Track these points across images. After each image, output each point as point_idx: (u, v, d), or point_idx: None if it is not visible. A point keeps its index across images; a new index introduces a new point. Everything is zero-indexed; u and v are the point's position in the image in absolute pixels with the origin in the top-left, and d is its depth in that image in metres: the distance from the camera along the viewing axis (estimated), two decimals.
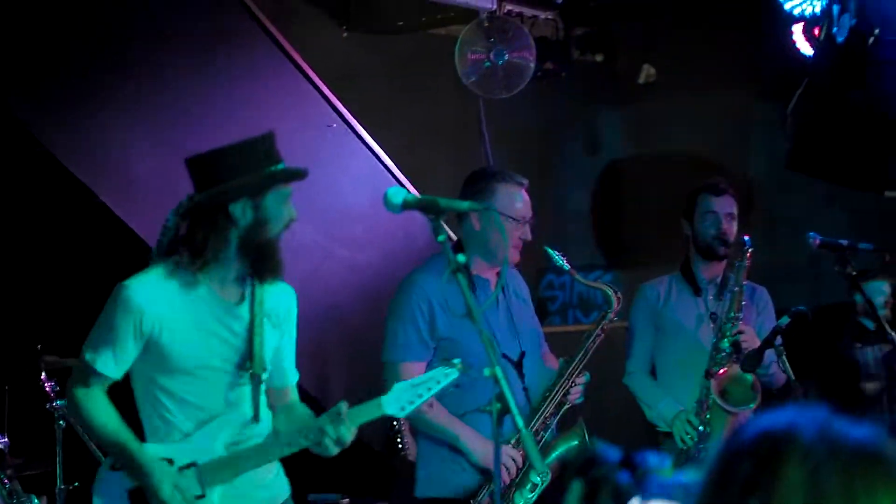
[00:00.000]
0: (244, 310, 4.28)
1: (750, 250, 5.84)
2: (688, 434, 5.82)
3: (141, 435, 4.23)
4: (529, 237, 5.23)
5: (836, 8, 6.80)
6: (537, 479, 5.14)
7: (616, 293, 5.35)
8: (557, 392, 5.20)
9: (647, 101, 9.92)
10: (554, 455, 5.23)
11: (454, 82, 7.83)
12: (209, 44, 6.47)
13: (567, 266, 5.31)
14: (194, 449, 4.22)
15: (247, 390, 4.26)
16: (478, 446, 5.01)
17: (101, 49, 6.05)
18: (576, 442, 5.24)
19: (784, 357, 5.57)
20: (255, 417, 4.26)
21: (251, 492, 4.37)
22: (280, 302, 4.40)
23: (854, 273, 5.81)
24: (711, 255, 6.05)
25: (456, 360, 3.94)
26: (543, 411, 5.18)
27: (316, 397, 6.34)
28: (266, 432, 4.31)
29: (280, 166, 4.26)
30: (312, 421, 4.21)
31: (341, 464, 5.20)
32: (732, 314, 5.80)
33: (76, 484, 5.87)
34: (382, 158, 7.02)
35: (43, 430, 5.95)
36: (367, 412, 4.13)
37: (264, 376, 4.29)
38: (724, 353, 5.75)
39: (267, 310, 4.32)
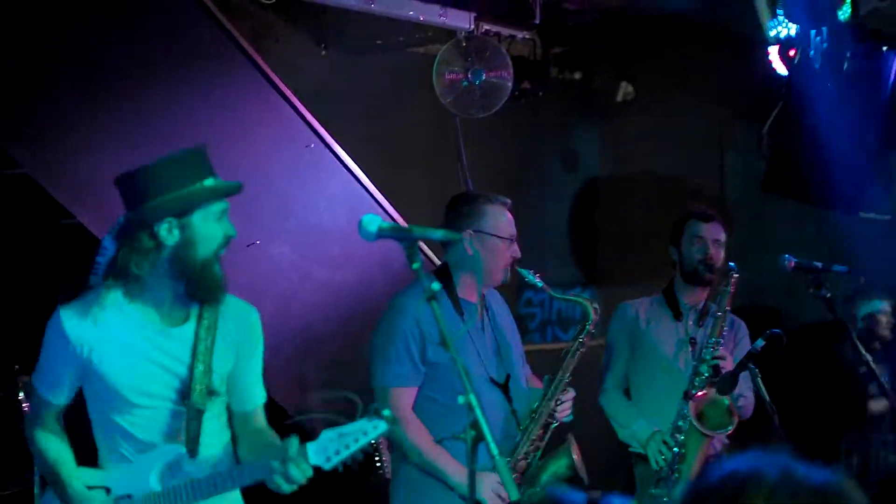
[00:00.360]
0: (185, 333, 4.13)
1: (735, 276, 5.88)
2: (662, 455, 5.85)
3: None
4: (519, 255, 5.29)
5: (812, 32, 6.85)
6: (536, 501, 5.19)
7: (593, 305, 5.40)
8: (543, 411, 5.24)
9: (625, 118, 9.96)
10: (545, 476, 5.26)
11: (432, 101, 7.84)
12: (187, 65, 6.46)
13: (540, 283, 5.36)
14: (131, 479, 4.12)
15: (193, 423, 4.12)
16: (465, 479, 5.01)
17: (77, 73, 6.03)
18: (565, 460, 5.27)
19: (759, 380, 5.60)
20: (191, 453, 4.11)
21: None
22: (233, 323, 4.24)
23: (828, 295, 5.84)
24: (697, 280, 6.10)
25: (386, 412, 3.82)
26: (531, 432, 5.22)
27: (292, 416, 6.33)
28: (208, 466, 4.15)
29: (207, 182, 4.06)
30: (262, 458, 4.02)
31: (316, 482, 5.20)
32: (714, 339, 5.83)
33: None
34: (360, 178, 7.03)
35: (20, 452, 5.93)
36: (298, 461, 3.90)
37: (209, 405, 4.14)
38: (703, 377, 5.79)
39: (221, 332, 4.18)
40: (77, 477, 4.12)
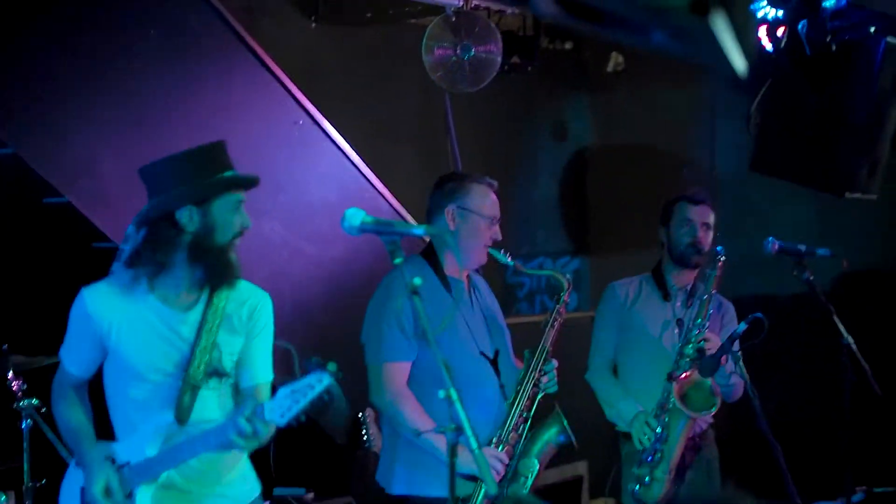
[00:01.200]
0: (194, 315, 4.35)
1: (722, 259, 5.92)
2: (646, 435, 5.91)
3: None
4: (500, 237, 5.34)
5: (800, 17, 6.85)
6: (529, 472, 5.26)
7: (566, 277, 5.47)
8: (527, 383, 5.31)
9: (615, 89, 9.96)
10: (538, 446, 5.33)
11: (421, 76, 7.85)
12: (174, 40, 6.45)
13: (511, 262, 5.42)
14: (131, 448, 4.31)
15: (187, 395, 4.30)
16: (461, 457, 5.08)
17: (63, 47, 6.04)
18: (555, 429, 5.34)
19: (741, 363, 5.66)
20: (180, 421, 4.28)
21: (201, 489, 4.42)
22: (243, 306, 4.45)
23: (811, 279, 5.89)
24: (685, 262, 6.14)
25: (330, 365, 3.92)
26: (518, 404, 5.28)
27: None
28: (198, 434, 4.29)
29: (228, 173, 4.33)
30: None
31: (305, 457, 5.27)
32: (699, 321, 5.89)
33: (43, 481, 5.91)
34: (349, 154, 7.06)
35: (10, 429, 5.98)
36: (255, 421, 4.08)
37: (211, 382, 4.34)
38: (687, 358, 5.84)
39: (227, 314, 4.39)
40: (94, 447, 4.37)
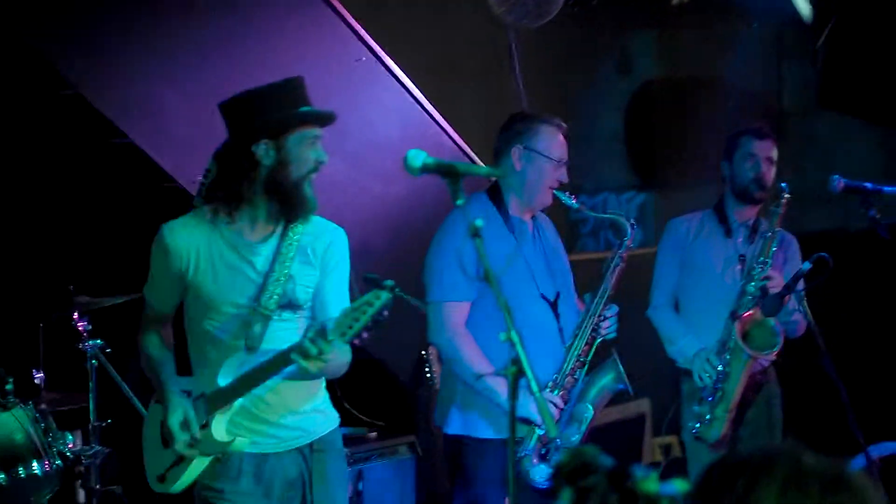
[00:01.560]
0: (268, 248, 4.43)
1: (786, 197, 5.87)
2: (706, 373, 5.90)
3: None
4: (566, 180, 5.33)
5: None
6: (583, 417, 5.27)
7: (630, 221, 5.44)
8: (586, 328, 5.32)
9: (681, 24, 9.86)
10: (593, 391, 5.34)
11: (484, 11, 7.78)
12: None
13: (576, 204, 5.41)
14: (206, 379, 4.41)
15: (258, 324, 4.39)
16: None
17: None
18: (611, 375, 5.34)
19: (805, 302, 5.63)
20: (249, 350, 4.36)
21: (277, 419, 4.49)
22: (318, 240, 4.52)
23: (878, 217, 5.82)
24: (747, 197, 6.11)
25: (388, 282, 3.94)
26: (575, 349, 5.30)
27: None
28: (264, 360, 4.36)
29: (304, 108, 4.40)
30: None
31: (368, 396, 5.30)
32: (762, 258, 5.85)
33: (109, 421, 5.99)
34: (413, 91, 7.02)
35: (76, 369, 6.05)
36: (318, 341, 4.08)
37: (284, 314, 4.41)
38: (750, 297, 5.82)
39: (301, 248, 4.46)
40: (173, 381, 4.49)
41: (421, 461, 6.82)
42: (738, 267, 6.07)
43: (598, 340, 5.36)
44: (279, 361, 4.24)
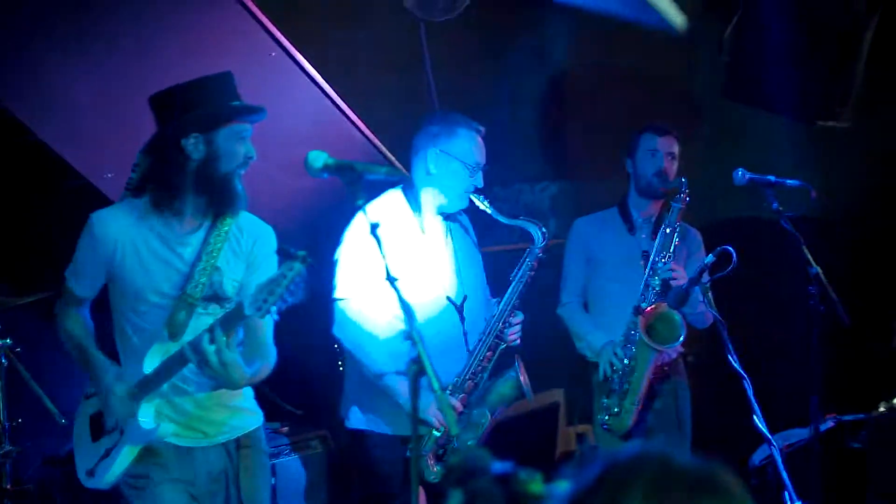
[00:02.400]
0: (196, 239, 4.54)
1: (686, 192, 5.95)
2: (612, 366, 5.97)
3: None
4: (482, 184, 5.35)
5: None
6: (481, 422, 5.29)
7: (542, 229, 5.46)
8: (490, 334, 5.33)
9: (591, 13, 9.89)
10: (492, 398, 5.38)
11: (395, 4, 7.78)
12: None
13: (491, 209, 5.42)
14: (132, 370, 4.49)
15: (182, 312, 4.45)
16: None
17: None
18: (511, 381, 5.37)
19: (710, 295, 5.72)
20: (172, 337, 4.45)
21: (202, 413, 4.52)
22: (248, 235, 4.65)
23: (780, 209, 5.91)
24: (650, 193, 6.21)
25: (300, 252, 4.04)
26: (478, 354, 5.32)
27: None
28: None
29: (235, 103, 4.53)
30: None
31: (280, 390, 5.32)
32: (665, 252, 5.92)
33: (19, 420, 5.96)
34: (322, 86, 7.02)
35: None
36: (233, 318, 4.24)
37: (210, 306, 4.52)
38: (653, 291, 5.91)
39: (229, 241, 4.57)
40: (99, 355, 4.62)
41: (332, 455, 6.83)
42: (642, 262, 6.15)
43: (502, 347, 5.40)
44: (187, 349, 4.30)
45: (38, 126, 5.82)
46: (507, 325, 5.39)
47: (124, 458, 4.46)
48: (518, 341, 5.45)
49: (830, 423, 6.91)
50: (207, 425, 4.59)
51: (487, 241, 6.28)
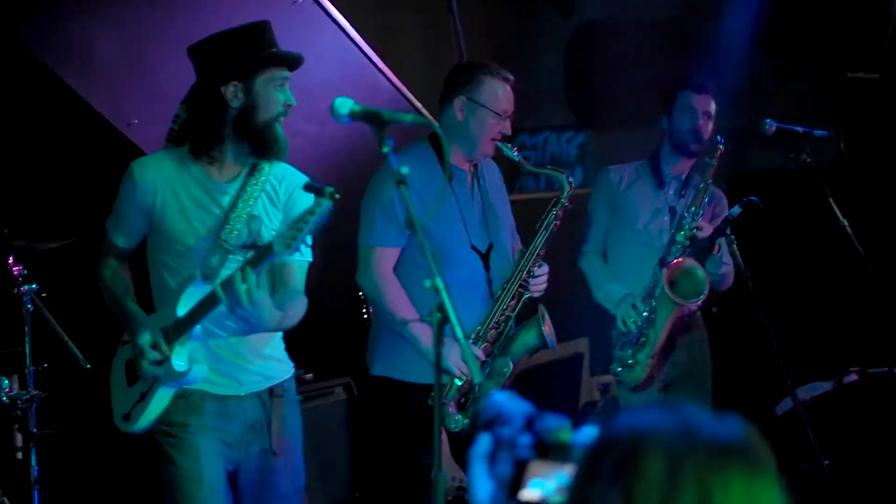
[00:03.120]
0: (234, 187, 4.55)
1: (721, 149, 5.93)
2: (631, 318, 5.98)
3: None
4: (510, 132, 5.35)
5: None
6: (503, 371, 5.30)
7: (569, 179, 5.46)
8: (513, 283, 5.34)
9: None
10: (515, 346, 5.38)
11: None
12: None
13: (518, 157, 5.42)
14: (167, 314, 4.50)
15: (217, 256, 4.48)
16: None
17: None
18: (534, 330, 5.38)
19: (735, 246, 5.71)
20: (206, 279, 4.43)
21: (235, 360, 4.58)
22: (283, 184, 4.65)
23: (808, 161, 5.90)
24: (684, 150, 6.18)
25: (328, 188, 4.01)
26: (502, 301, 5.32)
27: None
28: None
29: (273, 50, 4.56)
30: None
31: (304, 338, 5.34)
32: (693, 209, 5.91)
33: (45, 365, 5.99)
34: (349, 32, 6.99)
35: (12, 314, 6.03)
36: (262, 256, 4.23)
37: (245, 253, 4.45)
38: (679, 245, 5.90)
39: (267, 188, 4.58)
40: (137, 307, 4.63)
41: (356, 402, 6.86)
42: (667, 218, 6.14)
43: (526, 297, 5.41)
44: (215, 294, 4.30)
45: (63, 71, 5.80)
46: (531, 274, 5.39)
47: (159, 401, 4.49)
48: (542, 292, 5.45)
49: (854, 377, 6.91)
50: (240, 372, 4.62)
51: (513, 189, 6.28)
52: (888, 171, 8.35)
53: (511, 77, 5.45)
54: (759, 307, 5.62)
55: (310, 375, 6.70)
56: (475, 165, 5.53)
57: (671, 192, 6.23)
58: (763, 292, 5.71)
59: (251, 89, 4.49)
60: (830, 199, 5.89)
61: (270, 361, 4.72)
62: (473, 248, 5.38)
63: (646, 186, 6.28)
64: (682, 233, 5.91)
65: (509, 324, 5.38)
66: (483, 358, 5.27)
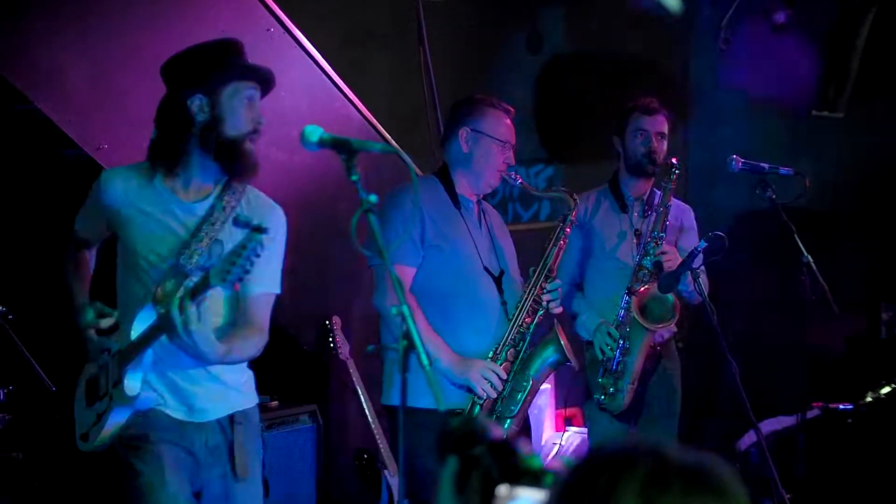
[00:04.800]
0: (201, 207, 4.47)
1: (676, 172, 5.98)
2: (608, 345, 6.01)
3: None
4: (513, 162, 5.43)
5: None
6: (523, 388, 5.33)
7: (573, 196, 5.52)
8: (527, 300, 5.39)
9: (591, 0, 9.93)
10: (535, 364, 5.41)
11: None
12: None
13: (519, 182, 5.50)
14: (124, 336, 4.42)
15: (171, 281, 4.39)
16: (456, 367, 5.20)
17: None
18: (552, 346, 5.41)
19: (700, 279, 5.75)
20: (156, 303, 4.34)
21: (195, 391, 4.55)
22: (256, 213, 4.50)
23: (773, 197, 5.96)
24: (641, 172, 6.23)
25: (255, 222, 4.03)
26: (517, 320, 5.36)
27: None
28: None
29: (239, 63, 4.50)
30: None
31: (273, 365, 5.33)
32: (656, 233, 5.96)
33: (10, 388, 5.97)
34: (320, 62, 7.03)
35: None
36: (200, 287, 4.15)
37: (195, 274, 4.35)
38: (646, 271, 5.93)
39: (238, 213, 4.45)
40: (84, 296, 4.66)
41: (321, 430, 6.85)
42: (635, 241, 6.18)
43: (541, 313, 5.46)
44: (158, 323, 4.26)
45: (34, 95, 5.80)
46: (542, 290, 5.44)
47: (113, 423, 4.44)
48: (557, 306, 5.49)
49: (817, 412, 6.95)
50: (197, 400, 4.53)
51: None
52: (850, 207, 8.42)
53: (512, 109, 5.55)
54: (723, 341, 5.66)
55: (275, 402, 6.69)
56: (478, 200, 5.60)
57: (635, 214, 6.30)
58: (728, 326, 5.76)
59: (217, 103, 4.40)
60: (795, 235, 5.94)
61: (231, 390, 4.64)
62: (487, 270, 5.44)
63: (609, 211, 6.35)
64: (648, 258, 5.95)
65: (525, 342, 5.41)
66: (504, 377, 5.29)
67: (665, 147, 6.24)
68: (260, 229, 3.98)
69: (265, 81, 4.58)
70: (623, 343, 5.97)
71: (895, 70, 8.13)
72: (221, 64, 4.44)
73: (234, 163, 4.43)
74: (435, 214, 5.33)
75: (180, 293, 4.15)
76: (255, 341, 4.54)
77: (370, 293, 5.46)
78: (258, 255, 3.97)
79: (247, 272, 4.00)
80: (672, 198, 6.06)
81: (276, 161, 6.97)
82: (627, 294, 5.94)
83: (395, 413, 5.45)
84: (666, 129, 6.27)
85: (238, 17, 6.64)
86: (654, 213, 6.09)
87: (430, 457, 5.22)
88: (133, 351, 4.34)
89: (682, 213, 6.35)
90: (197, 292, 4.12)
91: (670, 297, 5.89)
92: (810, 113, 7.11)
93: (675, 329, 6.30)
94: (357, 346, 6.88)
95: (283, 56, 6.83)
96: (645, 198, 6.32)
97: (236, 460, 4.62)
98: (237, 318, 4.53)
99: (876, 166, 8.32)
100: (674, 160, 6.04)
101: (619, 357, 5.98)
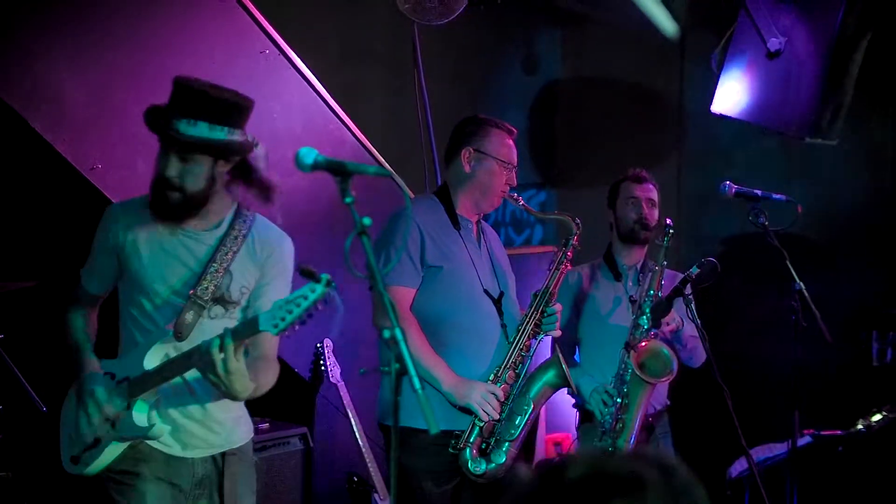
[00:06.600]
0: (213, 237, 4.48)
1: (671, 232, 5.99)
2: (606, 406, 6.00)
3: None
4: (515, 183, 5.44)
5: None
6: (523, 412, 5.33)
7: (575, 220, 5.54)
8: (528, 323, 5.40)
9: (586, 25, 9.95)
10: (535, 387, 5.41)
11: (390, 6, 7.80)
12: None
13: (520, 204, 5.52)
14: (131, 363, 4.41)
15: (191, 312, 4.41)
16: (458, 389, 5.23)
17: None
18: (553, 370, 5.42)
19: (692, 306, 5.76)
20: (178, 336, 4.37)
21: (194, 423, 4.53)
22: (265, 245, 4.57)
23: (766, 223, 5.97)
24: (634, 239, 6.31)
25: (324, 276, 4.00)
26: (517, 343, 5.36)
27: None
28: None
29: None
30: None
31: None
32: (652, 291, 5.97)
33: (1, 407, 5.96)
34: (315, 85, 7.04)
35: None
36: (247, 330, 4.19)
37: (217, 308, 4.44)
38: (642, 329, 5.92)
39: (248, 247, 4.50)
40: (90, 358, 4.55)
41: (311, 453, 6.83)
42: (629, 308, 6.22)
43: (541, 337, 5.46)
44: (188, 361, 4.26)
45: (30, 115, 5.80)
46: (543, 314, 5.44)
47: (112, 451, 4.43)
48: (558, 331, 5.49)
49: (808, 439, 6.95)
50: (189, 436, 4.53)
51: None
52: (843, 234, 8.43)
53: (514, 130, 5.56)
54: (716, 369, 5.66)
55: (266, 424, 6.68)
56: (478, 220, 5.60)
57: (629, 282, 6.37)
58: (720, 352, 5.75)
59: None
60: (787, 262, 5.94)
61: (225, 427, 4.64)
62: (486, 292, 5.43)
63: (604, 281, 6.42)
64: (644, 317, 5.96)
65: (525, 365, 5.41)
66: (503, 398, 5.29)
67: (656, 215, 6.35)
68: (329, 283, 3.98)
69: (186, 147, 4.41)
70: (622, 401, 5.96)
71: (889, 97, 8.18)
72: (162, 128, 4.34)
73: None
74: (435, 235, 5.35)
75: (223, 333, 4.14)
76: (273, 374, 4.58)
77: (362, 315, 5.44)
78: (318, 310, 3.99)
79: (303, 324, 4.03)
80: (666, 259, 6.07)
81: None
82: (626, 350, 5.94)
83: (391, 434, 5.44)
84: (655, 197, 6.37)
85: (234, 39, 6.65)
86: (650, 273, 6.11)
87: (427, 478, 5.27)
88: (148, 381, 4.34)
89: (670, 279, 6.36)
90: (242, 334, 4.15)
91: (666, 350, 5.90)
92: (804, 140, 7.10)
93: (668, 401, 6.34)
94: (348, 369, 6.87)
95: (279, 78, 6.85)
96: (639, 266, 6.40)
97: (225, 491, 4.60)
98: (250, 351, 4.50)
99: (869, 194, 8.34)
100: (668, 221, 6.05)
101: (618, 415, 5.96)
